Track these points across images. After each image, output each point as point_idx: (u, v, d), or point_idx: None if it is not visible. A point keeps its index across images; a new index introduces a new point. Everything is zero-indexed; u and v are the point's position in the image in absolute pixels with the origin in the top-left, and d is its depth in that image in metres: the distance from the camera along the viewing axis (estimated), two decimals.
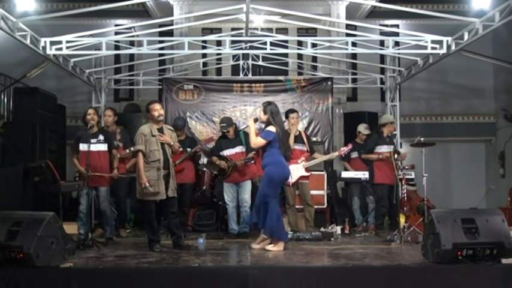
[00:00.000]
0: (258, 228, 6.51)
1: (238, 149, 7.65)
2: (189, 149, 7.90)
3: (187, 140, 8.14)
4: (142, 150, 6.19)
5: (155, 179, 6.16)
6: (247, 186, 7.57)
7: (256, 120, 6.49)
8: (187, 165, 7.94)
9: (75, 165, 7.04)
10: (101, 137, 6.97)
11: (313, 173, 8.16)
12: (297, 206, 7.82)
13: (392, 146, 7.86)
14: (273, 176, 6.24)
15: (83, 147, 6.84)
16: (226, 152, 7.66)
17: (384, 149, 7.87)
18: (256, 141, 6.28)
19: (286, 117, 7.74)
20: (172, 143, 6.44)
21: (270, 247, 6.21)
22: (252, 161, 7.53)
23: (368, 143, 8.12)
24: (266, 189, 6.23)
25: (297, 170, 7.60)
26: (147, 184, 6.07)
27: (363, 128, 8.82)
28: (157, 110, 6.35)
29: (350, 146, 8.01)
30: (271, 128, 6.24)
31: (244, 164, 7.52)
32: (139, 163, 6.17)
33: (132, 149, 6.54)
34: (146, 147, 6.20)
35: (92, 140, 6.83)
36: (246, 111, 9.74)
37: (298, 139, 7.75)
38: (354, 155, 8.76)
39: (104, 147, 6.99)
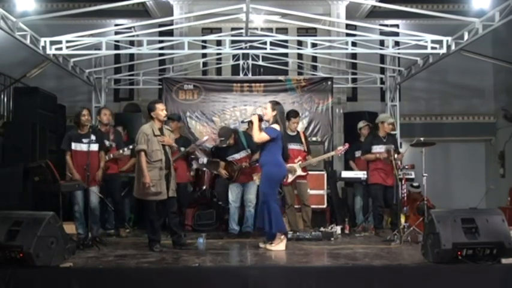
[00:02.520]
0: (264, 231, 6.46)
1: (243, 153, 7.64)
2: (182, 149, 7.86)
3: (182, 140, 8.09)
4: (145, 149, 6.17)
5: (157, 179, 6.15)
6: (253, 186, 7.57)
7: (261, 119, 6.42)
8: (180, 165, 7.88)
9: (68, 165, 7.00)
10: (93, 137, 6.95)
11: (313, 172, 8.17)
12: (296, 206, 7.82)
13: (391, 146, 7.79)
14: (272, 175, 6.26)
15: (75, 146, 6.89)
16: (231, 158, 7.67)
17: (379, 149, 7.84)
18: (260, 136, 6.23)
19: (288, 119, 7.74)
20: (173, 145, 6.46)
21: (271, 247, 6.21)
22: (257, 164, 7.52)
23: (364, 144, 8.11)
24: (266, 188, 6.25)
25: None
26: (150, 184, 6.07)
27: (361, 124, 8.85)
28: (164, 110, 6.40)
29: (347, 145, 8.01)
30: (276, 126, 6.26)
31: (250, 167, 7.52)
32: (142, 163, 6.14)
33: (130, 147, 6.53)
34: (148, 147, 6.19)
35: (84, 140, 6.85)
36: (246, 111, 9.74)
37: (296, 139, 7.74)
38: (358, 153, 8.77)
39: (96, 147, 7.01)
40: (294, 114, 7.78)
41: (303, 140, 7.84)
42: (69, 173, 7.01)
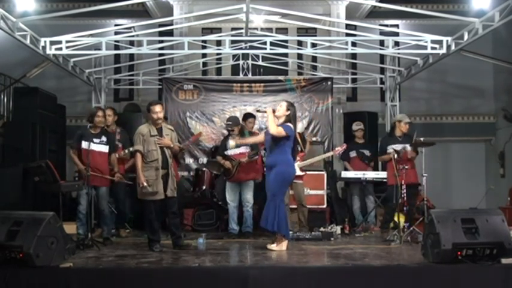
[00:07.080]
0: (269, 231, 6.40)
1: (243, 149, 7.59)
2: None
3: None
4: (140, 150, 6.19)
5: (153, 179, 6.15)
6: (250, 186, 7.57)
7: (273, 111, 6.30)
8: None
9: (74, 161, 6.97)
10: (104, 138, 6.96)
11: (312, 172, 8.16)
12: (292, 206, 7.78)
13: (406, 146, 7.43)
14: (285, 176, 6.18)
15: (85, 145, 6.78)
16: (230, 152, 7.64)
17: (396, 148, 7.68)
18: (278, 130, 6.07)
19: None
20: (172, 145, 6.41)
21: (272, 246, 6.20)
22: (256, 157, 7.50)
23: (380, 145, 7.96)
24: (278, 188, 6.16)
25: None
26: (145, 184, 6.08)
27: (354, 125, 8.85)
28: (157, 113, 6.28)
29: (345, 145, 7.99)
30: (291, 125, 6.16)
31: (249, 162, 7.49)
32: (137, 163, 6.18)
33: (130, 149, 6.53)
34: (144, 147, 6.20)
35: (95, 140, 6.83)
36: (246, 111, 9.72)
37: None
38: (353, 154, 8.78)
39: (106, 148, 6.97)
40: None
41: (300, 140, 7.80)
42: (77, 172, 7.00)
